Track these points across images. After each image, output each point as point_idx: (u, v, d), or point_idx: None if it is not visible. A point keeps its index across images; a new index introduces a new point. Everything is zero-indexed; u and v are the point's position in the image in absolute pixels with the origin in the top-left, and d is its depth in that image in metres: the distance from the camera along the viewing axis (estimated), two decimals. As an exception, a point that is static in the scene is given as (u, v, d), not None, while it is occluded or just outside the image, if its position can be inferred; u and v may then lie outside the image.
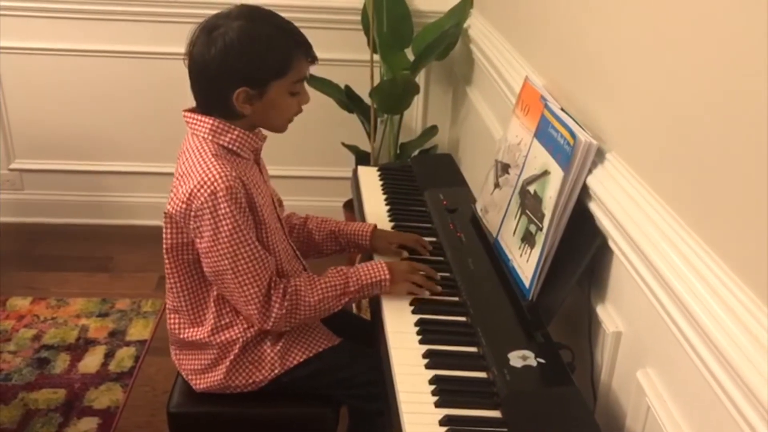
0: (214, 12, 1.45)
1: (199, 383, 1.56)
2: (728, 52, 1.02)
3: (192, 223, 1.40)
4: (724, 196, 1.02)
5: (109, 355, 2.41)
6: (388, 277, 1.52)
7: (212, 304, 1.51)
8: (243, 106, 1.42)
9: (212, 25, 1.41)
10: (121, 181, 3.18)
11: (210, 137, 1.44)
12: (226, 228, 1.38)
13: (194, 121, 1.46)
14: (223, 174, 1.38)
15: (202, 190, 1.37)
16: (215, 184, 1.37)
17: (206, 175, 1.38)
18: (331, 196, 3.08)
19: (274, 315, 1.44)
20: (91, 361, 2.38)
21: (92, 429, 2.11)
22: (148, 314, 2.63)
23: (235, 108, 1.42)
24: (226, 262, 1.40)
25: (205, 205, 1.37)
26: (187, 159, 1.45)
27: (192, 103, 1.50)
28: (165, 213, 1.45)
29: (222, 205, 1.37)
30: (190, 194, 1.39)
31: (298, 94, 1.47)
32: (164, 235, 1.46)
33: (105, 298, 2.71)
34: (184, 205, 1.40)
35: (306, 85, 1.51)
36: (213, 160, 1.40)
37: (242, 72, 1.39)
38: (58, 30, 2.90)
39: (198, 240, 1.41)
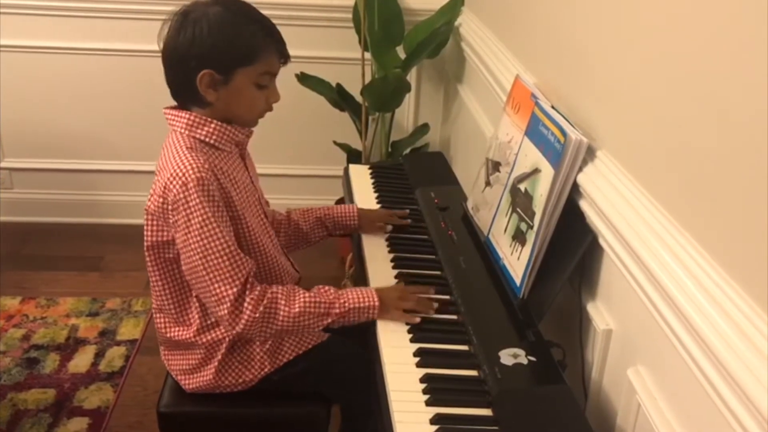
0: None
1: (189, 383, 1.55)
2: (719, 49, 1.02)
3: (171, 216, 1.39)
4: (715, 194, 1.03)
5: (99, 355, 2.40)
6: (376, 304, 1.45)
7: (196, 303, 1.50)
8: (207, 91, 1.42)
9: (187, 11, 1.42)
10: (111, 180, 3.16)
11: (186, 132, 1.44)
12: (196, 221, 1.36)
13: (172, 117, 1.47)
14: (194, 165, 1.37)
15: (174, 182, 1.37)
16: (186, 175, 1.36)
17: (178, 167, 1.37)
18: (322, 195, 3.07)
19: (245, 318, 1.38)
20: (81, 361, 2.37)
21: (82, 429, 2.10)
22: (139, 313, 2.62)
23: (200, 92, 1.42)
24: (198, 257, 1.37)
25: (179, 197, 1.36)
26: (164, 154, 1.45)
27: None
28: (145, 210, 1.44)
29: (193, 197, 1.36)
30: (164, 188, 1.38)
31: (265, 87, 1.46)
32: (145, 233, 1.45)
33: (95, 297, 2.69)
34: (160, 200, 1.40)
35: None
36: (186, 152, 1.40)
37: (208, 54, 1.39)
38: (46, 28, 2.88)
39: (176, 235, 1.41)
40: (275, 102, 1.50)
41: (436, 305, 1.48)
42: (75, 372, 2.32)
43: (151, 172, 2.99)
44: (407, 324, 1.45)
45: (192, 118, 1.44)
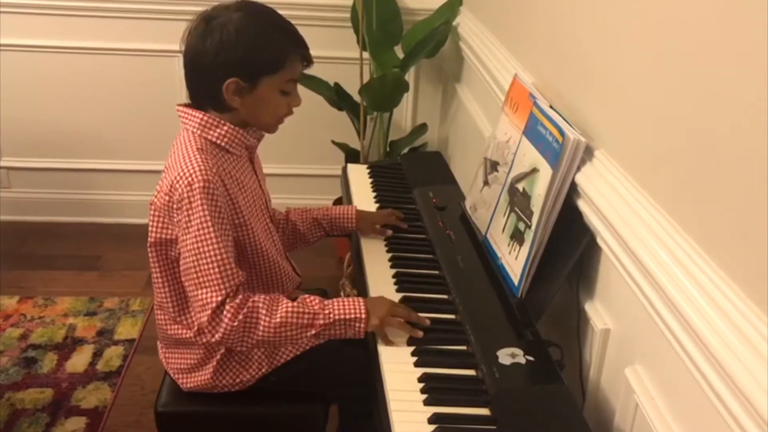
0: (206, 8, 1.45)
1: (187, 382, 1.55)
2: (718, 49, 1.02)
3: (175, 215, 1.39)
4: (714, 194, 1.03)
5: (97, 355, 2.40)
6: (363, 316, 1.40)
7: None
8: (232, 98, 1.42)
9: (211, 15, 1.42)
10: (109, 179, 3.16)
11: (198, 132, 1.44)
12: (195, 222, 1.36)
13: (186, 116, 1.46)
14: (202, 168, 1.37)
15: (180, 182, 1.37)
16: (192, 176, 1.36)
17: (186, 168, 1.37)
18: (320, 194, 3.07)
19: (224, 326, 1.34)
20: (79, 361, 2.36)
21: (80, 429, 2.10)
22: (137, 313, 2.62)
23: (225, 100, 1.42)
24: (191, 258, 1.37)
25: (183, 197, 1.36)
26: (174, 152, 1.45)
27: (184, 98, 1.50)
28: (151, 205, 1.44)
29: (196, 198, 1.36)
30: (171, 186, 1.38)
31: (288, 94, 1.47)
32: (150, 229, 1.45)
33: (93, 296, 2.69)
34: (166, 197, 1.40)
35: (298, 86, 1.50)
36: (196, 153, 1.40)
37: (236, 63, 1.39)
38: (45, 26, 2.88)
39: (178, 235, 1.41)
40: (296, 106, 1.50)
41: (420, 333, 1.40)
42: (73, 371, 2.31)
43: (150, 171, 2.99)
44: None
45: (205, 118, 1.44)
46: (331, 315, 1.40)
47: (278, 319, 1.37)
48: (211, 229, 1.36)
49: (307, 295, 1.45)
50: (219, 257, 1.36)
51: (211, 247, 1.36)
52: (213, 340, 1.37)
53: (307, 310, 1.40)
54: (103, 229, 3.15)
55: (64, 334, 2.48)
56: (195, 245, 1.36)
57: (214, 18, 1.40)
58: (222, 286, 1.35)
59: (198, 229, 1.36)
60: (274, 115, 1.49)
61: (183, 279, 1.41)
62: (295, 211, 1.79)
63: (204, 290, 1.36)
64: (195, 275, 1.36)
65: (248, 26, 1.39)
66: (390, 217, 1.80)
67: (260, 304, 1.38)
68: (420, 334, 1.39)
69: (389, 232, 1.76)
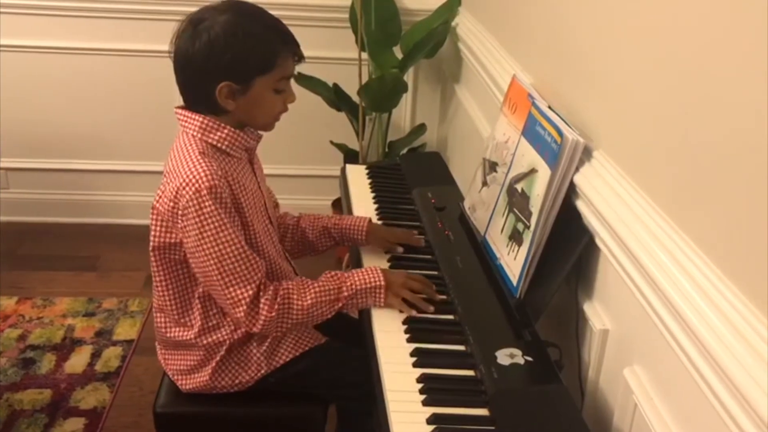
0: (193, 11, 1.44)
1: (186, 384, 1.55)
2: (717, 49, 1.02)
3: (180, 222, 1.39)
4: (713, 194, 1.03)
5: (95, 355, 2.40)
6: (383, 284, 1.48)
7: (198, 305, 1.50)
8: (226, 101, 1.41)
9: (198, 18, 1.40)
10: (108, 180, 3.16)
11: (199, 135, 1.43)
12: (210, 227, 1.36)
13: (185, 119, 1.45)
14: (208, 172, 1.37)
15: (187, 188, 1.36)
16: (199, 182, 1.36)
17: (191, 173, 1.37)
18: (319, 195, 3.07)
19: (263, 318, 1.41)
20: (78, 361, 2.36)
21: (78, 429, 2.09)
22: (135, 314, 2.62)
23: (218, 103, 1.41)
24: (212, 262, 1.38)
25: (191, 204, 1.36)
26: (175, 156, 1.44)
27: (182, 100, 1.49)
28: (152, 209, 1.44)
29: (206, 204, 1.36)
30: (176, 193, 1.38)
31: (283, 92, 1.46)
32: (152, 232, 1.45)
33: (92, 297, 2.69)
34: (171, 204, 1.39)
35: (294, 83, 1.50)
36: (199, 158, 1.39)
37: (226, 66, 1.38)
38: (44, 27, 2.88)
39: (185, 239, 1.40)
40: (291, 103, 1.50)
41: (431, 309, 1.48)
42: (71, 372, 2.31)
43: (149, 172, 2.98)
44: (403, 315, 1.46)
45: (206, 121, 1.43)
46: (353, 286, 1.48)
47: (309, 301, 1.45)
48: (229, 230, 1.38)
49: (327, 271, 1.52)
50: (242, 253, 1.39)
51: (231, 247, 1.38)
52: (254, 330, 1.44)
53: (332, 286, 1.47)
54: (102, 229, 3.15)
55: (62, 335, 2.48)
56: (215, 248, 1.37)
57: (201, 21, 1.39)
58: (251, 280, 1.40)
59: (215, 233, 1.37)
60: (270, 114, 1.49)
61: (205, 283, 1.43)
62: (306, 218, 1.76)
63: (232, 288, 1.39)
64: (219, 277, 1.39)
65: (236, 27, 1.38)
66: (403, 238, 1.72)
67: (291, 291, 1.44)
68: (431, 309, 1.47)
69: (400, 249, 1.70)
